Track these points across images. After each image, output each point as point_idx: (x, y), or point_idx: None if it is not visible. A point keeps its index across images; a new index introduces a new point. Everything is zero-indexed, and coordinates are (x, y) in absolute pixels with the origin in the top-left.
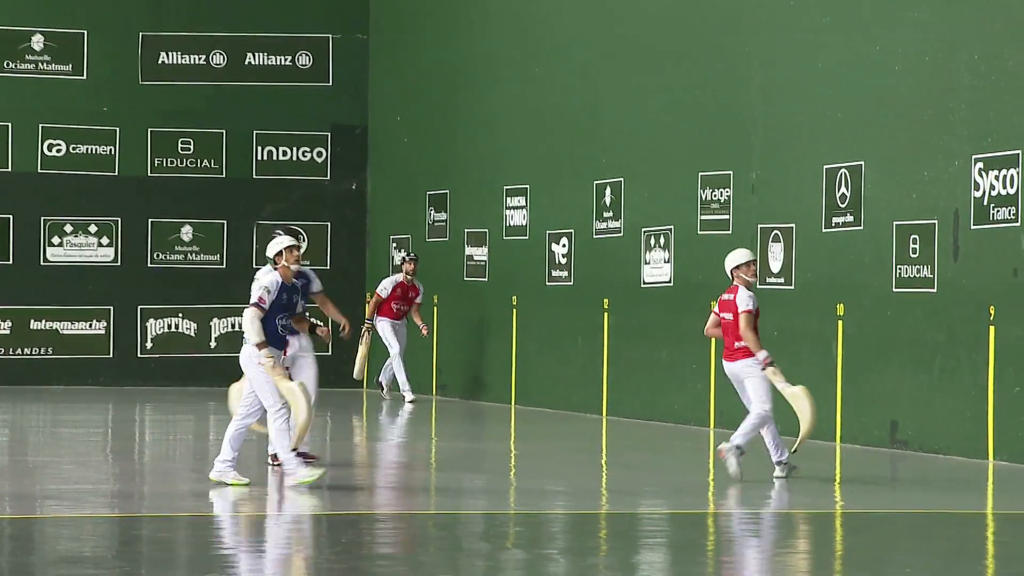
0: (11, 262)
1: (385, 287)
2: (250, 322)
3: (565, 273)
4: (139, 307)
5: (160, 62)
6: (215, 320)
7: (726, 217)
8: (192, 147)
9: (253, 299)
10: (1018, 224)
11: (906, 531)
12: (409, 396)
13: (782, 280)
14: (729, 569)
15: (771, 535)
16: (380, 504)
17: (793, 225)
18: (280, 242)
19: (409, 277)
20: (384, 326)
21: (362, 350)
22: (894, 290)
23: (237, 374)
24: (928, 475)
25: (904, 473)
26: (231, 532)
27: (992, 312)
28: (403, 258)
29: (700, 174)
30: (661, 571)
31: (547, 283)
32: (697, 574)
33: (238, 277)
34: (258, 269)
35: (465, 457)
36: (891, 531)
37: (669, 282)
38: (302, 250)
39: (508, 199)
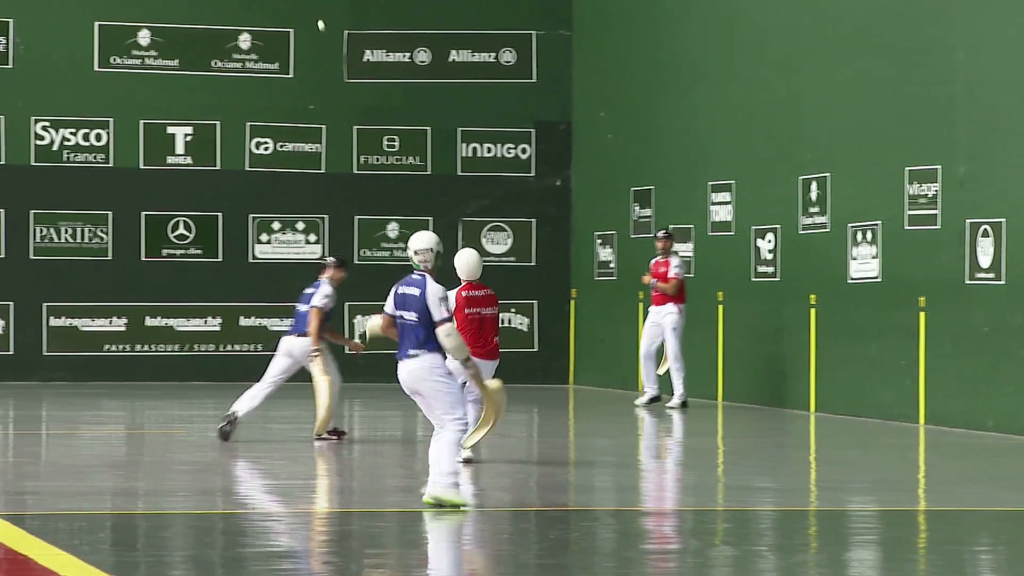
0: (220, 259)
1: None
2: (456, 337)
3: (771, 269)
4: (346, 303)
5: (365, 60)
6: None
7: (934, 212)
8: (397, 144)
9: (447, 314)
10: None
11: None
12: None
13: (992, 276)
14: (937, 568)
15: (978, 534)
16: (586, 500)
17: (1003, 220)
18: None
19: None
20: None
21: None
22: None
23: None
24: None
25: None
26: (432, 526)
27: None
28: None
29: (907, 169)
30: (871, 569)
31: (752, 279)
32: (908, 572)
33: (443, 273)
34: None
35: (673, 453)
36: None
37: (877, 277)
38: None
39: (713, 194)
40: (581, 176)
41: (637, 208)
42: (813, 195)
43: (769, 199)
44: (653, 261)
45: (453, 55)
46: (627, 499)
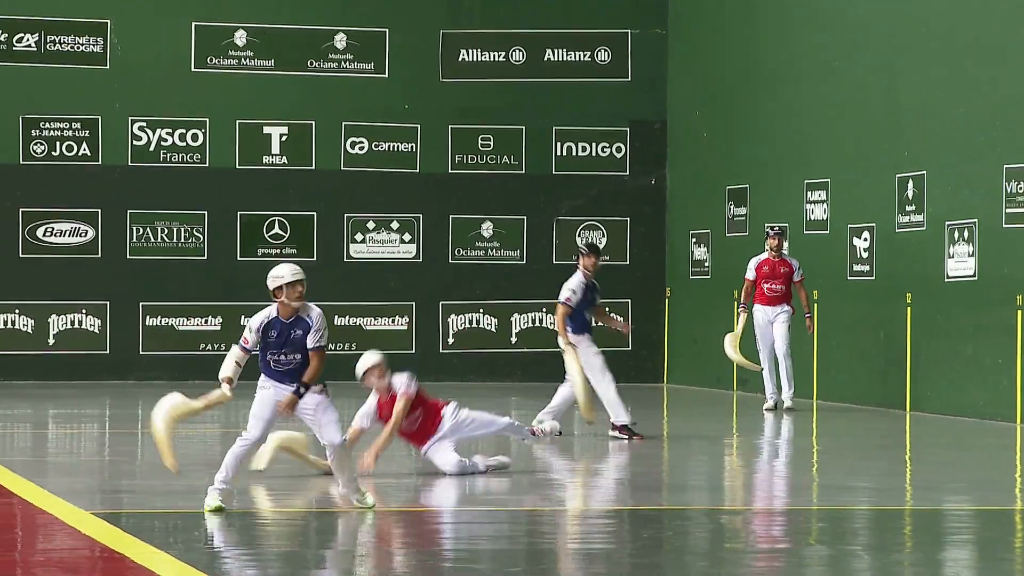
0: (315, 259)
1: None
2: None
3: (867, 267)
4: (441, 303)
5: (460, 60)
6: (515, 316)
7: None
8: (492, 144)
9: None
10: None
11: None
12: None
13: None
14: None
15: None
16: (681, 500)
17: None
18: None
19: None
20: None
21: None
22: None
23: (536, 370)
24: None
25: None
26: (551, 527)
27: None
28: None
29: (1005, 167)
30: (967, 568)
31: (848, 277)
32: (1004, 571)
33: (537, 273)
34: (558, 265)
35: (768, 453)
36: None
37: (974, 276)
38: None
39: (808, 193)
40: (676, 175)
41: (732, 206)
42: (909, 193)
43: (865, 198)
44: (760, 260)
45: (548, 54)
46: (719, 499)
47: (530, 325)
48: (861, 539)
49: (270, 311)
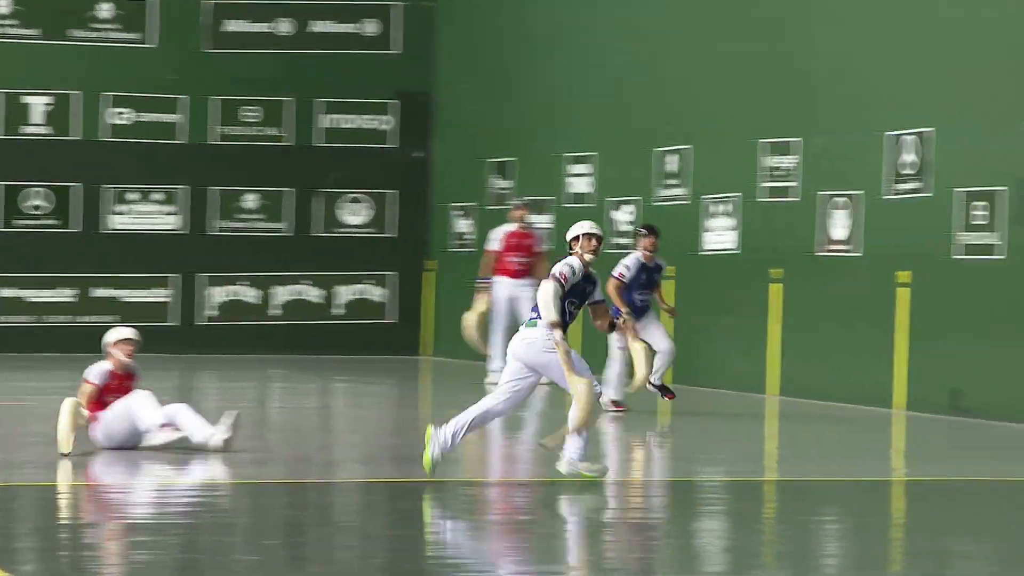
0: (78, 229)
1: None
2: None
3: (628, 240)
4: (202, 274)
5: (226, 30)
6: (277, 288)
7: (792, 184)
8: (259, 115)
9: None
10: None
11: (968, 499)
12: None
13: (848, 247)
14: (785, 538)
15: (827, 504)
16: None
17: (859, 192)
18: (580, 226)
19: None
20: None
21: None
22: (959, 257)
23: (297, 342)
24: (991, 443)
25: (968, 441)
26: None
27: None
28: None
29: (763, 141)
30: (720, 538)
31: (607, 250)
32: (756, 542)
33: (302, 245)
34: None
35: (520, 426)
36: (954, 499)
37: (735, 249)
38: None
39: (572, 166)
40: (443, 147)
41: (496, 179)
42: (672, 167)
43: (628, 172)
44: (506, 232)
45: (315, 25)
46: (476, 471)
47: (293, 298)
48: (612, 513)
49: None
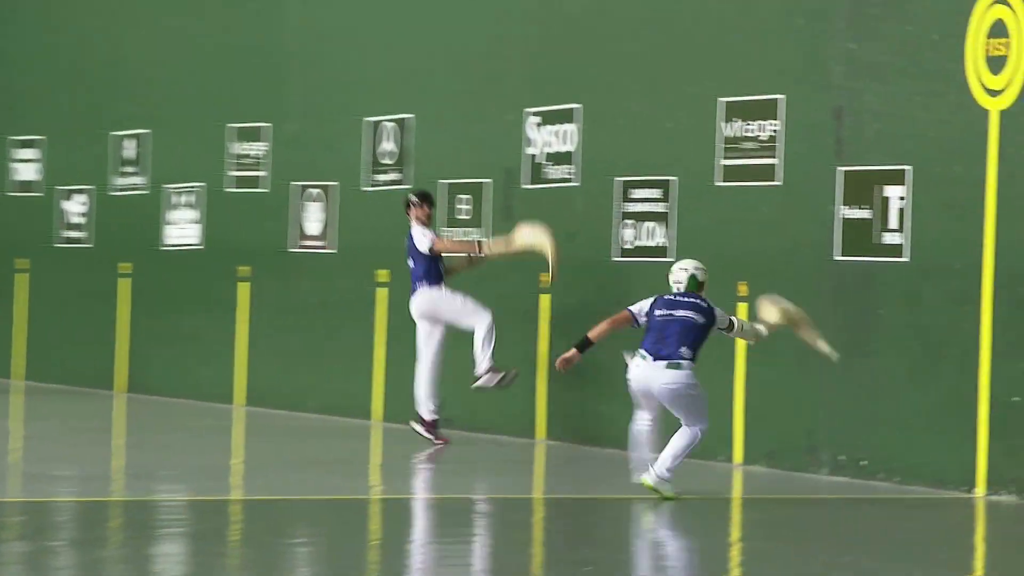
0: None
1: None
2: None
3: (83, 234)
4: None
5: None
6: None
7: (262, 174)
8: None
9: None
10: (577, 184)
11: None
12: None
13: (323, 243)
14: (251, 561)
15: (297, 523)
16: None
17: (334, 183)
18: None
19: None
20: None
21: None
22: None
23: None
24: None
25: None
26: None
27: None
28: None
29: (230, 126)
30: (180, 563)
31: (58, 244)
32: (219, 566)
33: None
34: None
35: None
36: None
37: (199, 244)
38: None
39: (16, 151)
40: None
41: None
42: (130, 153)
43: (82, 158)
44: None
45: None
46: None
47: None
48: (65, 533)
49: None
